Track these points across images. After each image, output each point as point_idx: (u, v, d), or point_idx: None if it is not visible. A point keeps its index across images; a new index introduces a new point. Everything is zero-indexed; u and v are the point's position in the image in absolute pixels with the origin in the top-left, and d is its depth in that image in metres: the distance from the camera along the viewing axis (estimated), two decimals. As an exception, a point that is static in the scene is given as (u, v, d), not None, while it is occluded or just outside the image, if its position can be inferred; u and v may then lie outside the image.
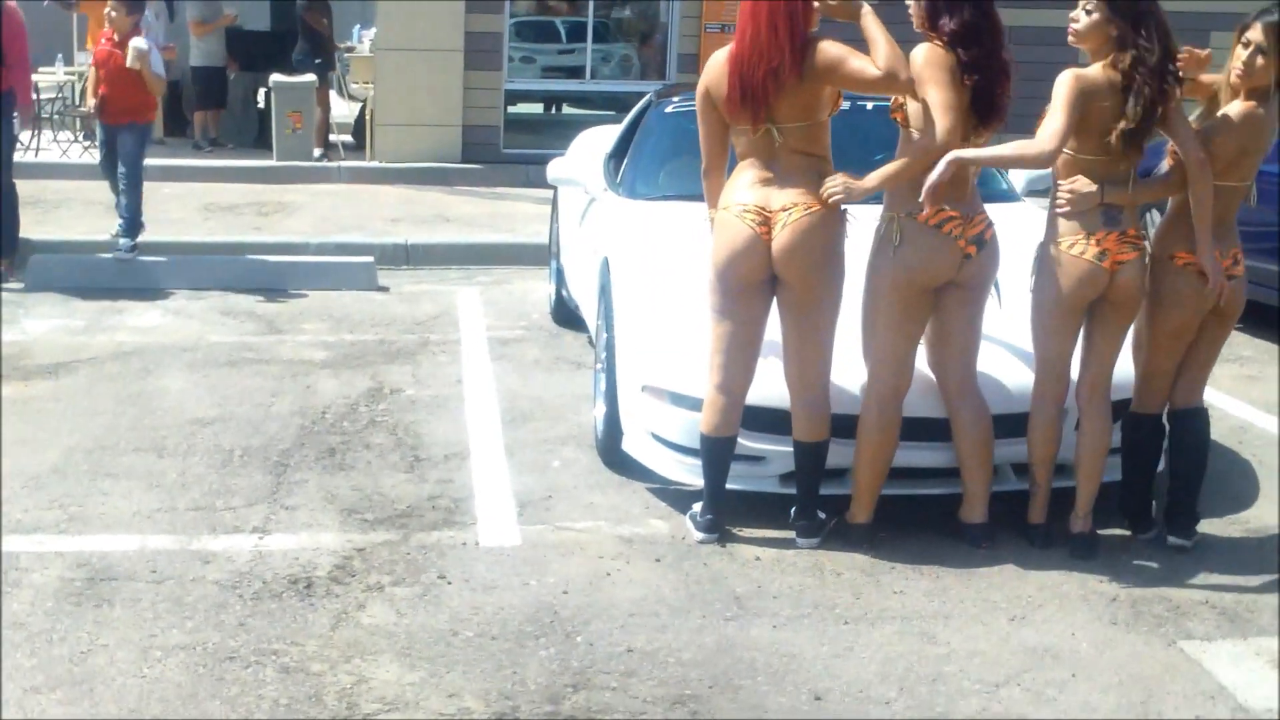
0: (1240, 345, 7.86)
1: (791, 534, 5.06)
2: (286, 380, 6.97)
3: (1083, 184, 4.73)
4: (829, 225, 4.83)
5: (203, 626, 4.31)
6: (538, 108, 17.09)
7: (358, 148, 14.69)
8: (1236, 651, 4.25)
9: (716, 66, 5.00)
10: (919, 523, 5.17)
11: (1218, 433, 6.06)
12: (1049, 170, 5.01)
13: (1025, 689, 4.03)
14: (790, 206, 4.80)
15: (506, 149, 14.19)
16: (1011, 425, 5.09)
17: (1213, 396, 6.75)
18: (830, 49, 4.74)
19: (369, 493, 5.48)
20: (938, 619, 4.47)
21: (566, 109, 17.27)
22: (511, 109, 14.88)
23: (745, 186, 4.90)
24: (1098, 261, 4.76)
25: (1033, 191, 6.82)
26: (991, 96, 4.80)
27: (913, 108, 4.78)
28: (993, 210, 5.11)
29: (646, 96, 8.04)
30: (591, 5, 15.27)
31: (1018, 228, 5.55)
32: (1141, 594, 4.65)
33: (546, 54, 17.41)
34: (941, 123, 4.64)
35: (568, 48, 17.03)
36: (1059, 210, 4.81)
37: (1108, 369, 4.98)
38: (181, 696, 3.89)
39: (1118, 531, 5.15)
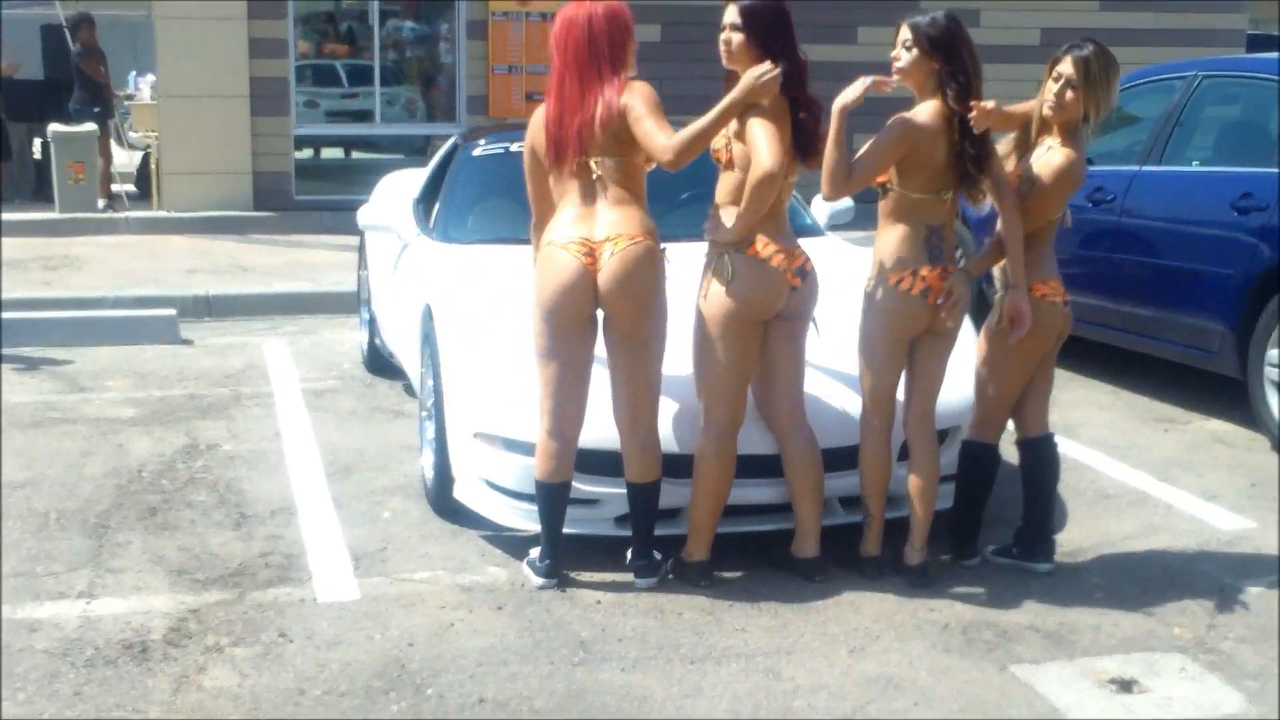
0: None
1: (629, 575, 5.11)
2: (96, 439, 6.78)
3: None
4: (654, 257, 4.92)
5: (36, 698, 4.17)
6: (328, 153, 16.90)
7: (142, 197, 14.37)
8: (1065, 674, 4.43)
9: (536, 123, 5.08)
10: (753, 559, 5.27)
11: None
12: (850, 206, 5.22)
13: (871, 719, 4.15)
14: (615, 237, 4.87)
15: (299, 195, 14.03)
16: (838, 459, 5.24)
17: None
18: (635, 105, 4.84)
19: (197, 552, 5.36)
20: (780, 654, 4.56)
21: (355, 154, 17.15)
22: (299, 155, 14.72)
23: (567, 223, 4.95)
24: (922, 298, 4.94)
25: (834, 226, 7.04)
26: (814, 135, 4.95)
27: (740, 150, 4.89)
28: (800, 244, 5.26)
29: (451, 140, 8.08)
30: (378, 48, 15.21)
31: (826, 260, 5.68)
32: (971, 621, 4.82)
33: (331, 98, 17.25)
34: (774, 148, 4.74)
35: (352, 91, 16.92)
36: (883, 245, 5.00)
37: (933, 400, 5.17)
38: (24, 773, 3.77)
39: (942, 558, 5.33)
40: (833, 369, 5.40)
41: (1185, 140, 7.78)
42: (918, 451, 5.14)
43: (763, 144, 4.74)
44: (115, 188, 13.94)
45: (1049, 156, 4.98)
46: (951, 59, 4.86)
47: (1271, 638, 4.68)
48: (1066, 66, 4.92)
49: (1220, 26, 16.04)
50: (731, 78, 4.95)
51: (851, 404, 5.27)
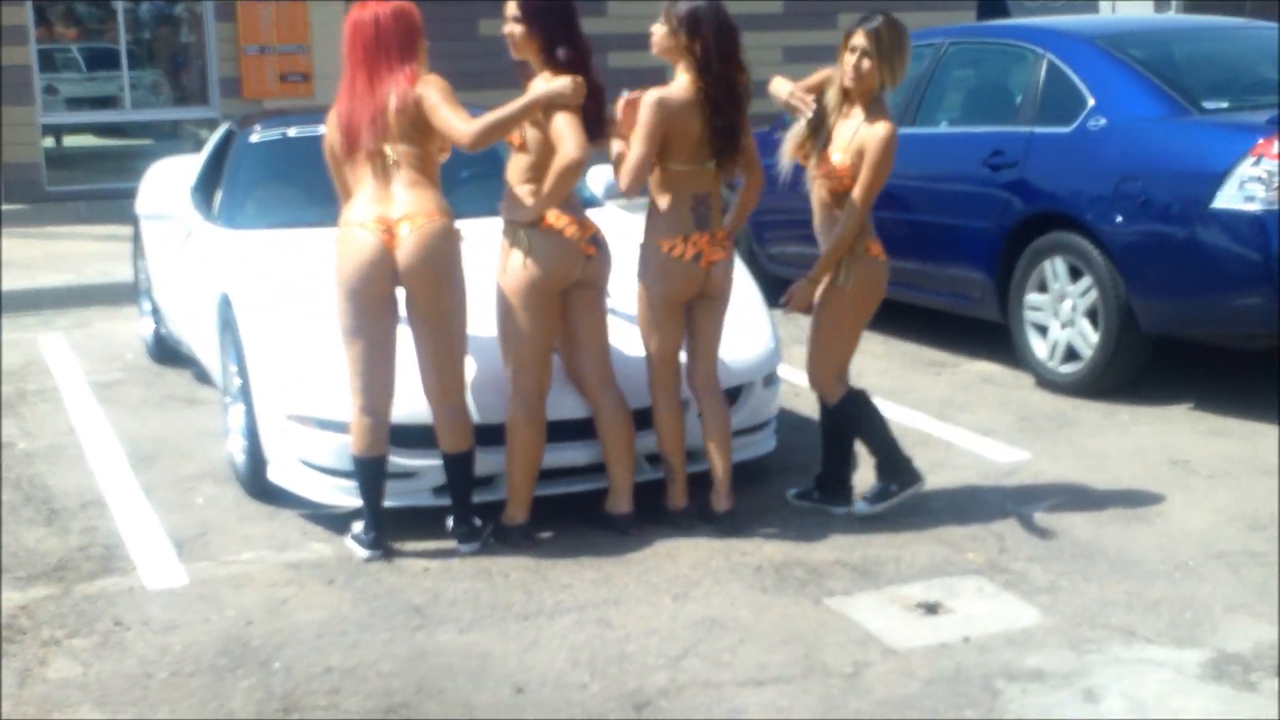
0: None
1: (453, 543, 5.28)
2: (-120, 445, 6.62)
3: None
4: (450, 235, 5.11)
5: (-124, 704, 4.14)
6: (73, 140, 16.41)
7: (-120, 194, 13.78)
8: (875, 601, 4.77)
9: (331, 122, 5.27)
10: (570, 519, 5.49)
11: (807, 406, 6.72)
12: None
13: (703, 657, 4.40)
14: (412, 215, 5.04)
15: (51, 186, 13.65)
16: (646, 418, 5.49)
17: (794, 375, 7.43)
18: (430, 94, 5.03)
19: (14, 550, 5.33)
20: (608, 605, 4.79)
21: (104, 141, 16.71)
22: (46, 144, 14.31)
23: (364, 203, 5.10)
24: (694, 262, 5.24)
25: (610, 196, 7.29)
26: (599, 119, 5.21)
27: (533, 135, 5.10)
28: (593, 214, 5.54)
29: (224, 127, 8.05)
30: (122, 30, 14.84)
31: (610, 229, 5.88)
32: (782, 561, 5.13)
33: (74, 83, 16.76)
34: (581, 138, 4.98)
35: (96, 76, 16.47)
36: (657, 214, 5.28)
37: (713, 356, 5.47)
38: (-121, 777, 3.76)
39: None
40: (632, 335, 5.64)
41: (936, 103, 8.26)
42: (707, 408, 5.44)
43: (569, 135, 4.98)
44: None
45: (873, 130, 5.26)
46: (695, 35, 5.13)
47: (1058, 556, 5.11)
48: (860, 39, 5.25)
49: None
50: (523, 66, 5.18)
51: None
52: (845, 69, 5.30)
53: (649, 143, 5.12)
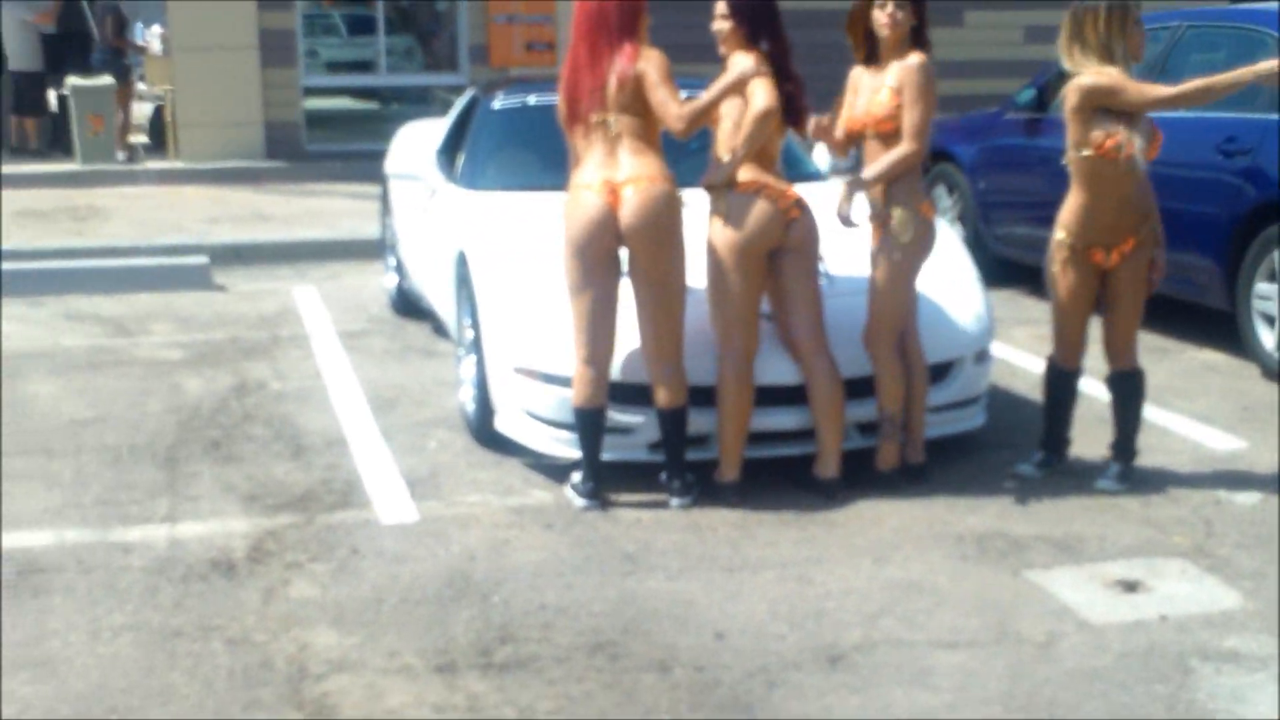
0: (1030, 308, 8.61)
1: (665, 496, 5.53)
2: (152, 380, 7.18)
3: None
4: (671, 199, 5.38)
5: (142, 609, 4.58)
6: (328, 102, 17.20)
7: (156, 148, 14.68)
8: (1074, 577, 4.86)
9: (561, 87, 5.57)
10: (778, 480, 5.69)
11: (1026, 385, 6.79)
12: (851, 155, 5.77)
13: (898, 618, 4.56)
14: (636, 179, 5.33)
15: (309, 145, 14.36)
16: (854, 388, 5.66)
17: (1013, 354, 7.49)
18: (650, 71, 5.34)
19: (263, 480, 5.77)
20: (809, 564, 4.98)
21: (354, 103, 17.45)
22: (307, 105, 15.04)
23: (592, 168, 5.42)
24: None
25: (836, 171, 7.43)
26: (798, 105, 5.49)
27: (729, 104, 5.38)
28: (805, 189, 5.76)
29: (469, 93, 8.42)
30: (382, -1, 15.51)
31: (831, 202, 6.04)
32: (984, 532, 5.25)
33: (333, 48, 17.53)
34: (770, 92, 5.26)
35: (354, 41, 17.20)
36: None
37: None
38: (140, 670, 4.17)
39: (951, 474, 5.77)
40: (848, 302, 5.80)
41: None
42: (908, 363, 5.68)
43: (759, 90, 5.27)
44: (132, 139, 14.25)
45: (906, 63, 5.47)
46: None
47: (1267, 544, 5.12)
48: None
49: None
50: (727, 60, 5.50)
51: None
52: (879, 25, 5.49)
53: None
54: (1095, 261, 5.54)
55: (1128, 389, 5.73)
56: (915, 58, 5.48)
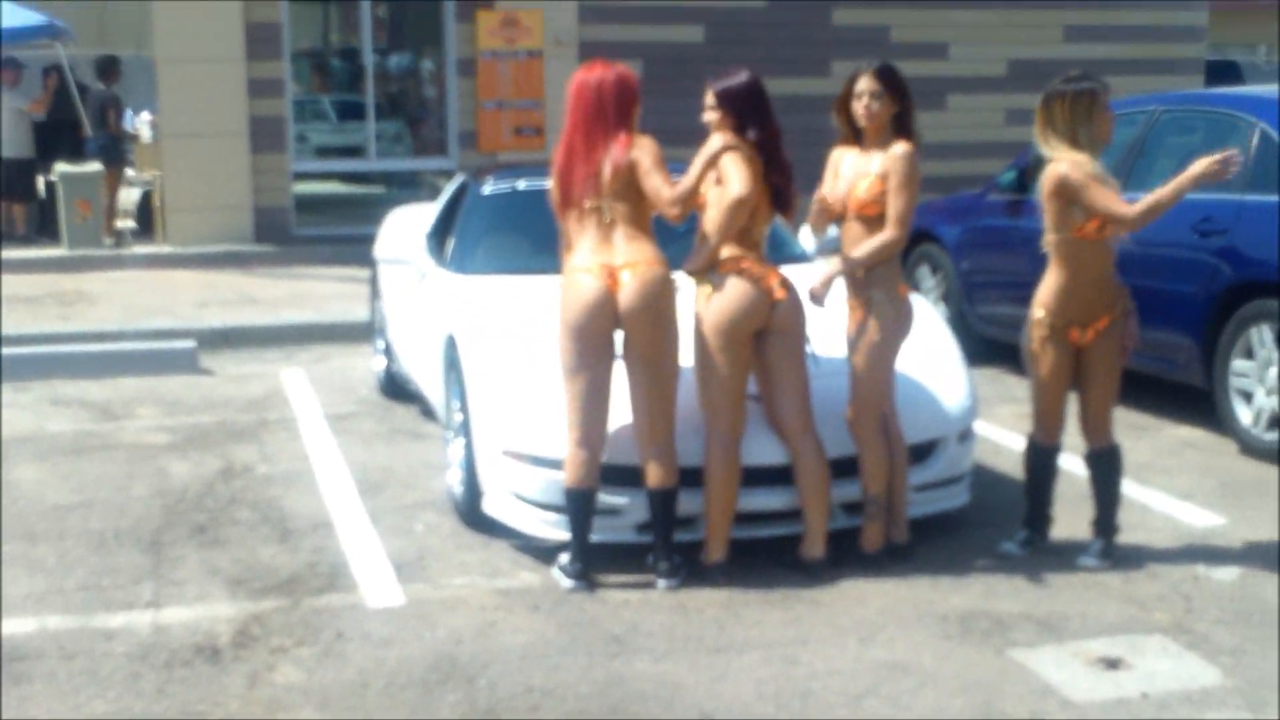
0: (1013, 386, 8.67)
1: (652, 577, 5.56)
2: (137, 464, 7.21)
3: None
4: (667, 283, 5.47)
5: (124, 696, 4.59)
6: (317, 187, 17.34)
7: (143, 233, 14.77)
8: (1057, 655, 4.89)
9: (553, 172, 5.65)
10: (765, 561, 5.72)
11: (1009, 464, 6.83)
12: (837, 235, 5.84)
13: (883, 698, 4.58)
14: (634, 263, 5.41)
15: (298, 229, 14.47)
16: (839, 468, 5.70)
17: (996, 433, 7.55)
18: (643, 159, 5.44)
19: (249, 564, 5.79)
20: (795, 644, 5.00)
21: (347, 188, 17.60)
22: (296, 189, 15.16)
23: (588, 251, 5.49)
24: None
25: (822, 253, 7.51)
26: (786, 193, 5.59)
27: (714, 192, 5.50)
28: (792, 270, 5.84)
29: (459, 178, 8.52)
30: (371, 85, 15.67)
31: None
32: (968, 611, 5.28)
33: (323, 133, 17.69)
34: (744, 178, 5.36)
35: (343, 127, 17.35)
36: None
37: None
38: (126, 758, 4.19)
39: (935, 553, 5.80)
40: (833, 383, 5.86)
41: (1148, 168, 8.28)
42: (890, 443, 5.71)
43: (732, 174, 5.39)
44: (119, 224, 14.35)
45: (892, 151, 5.54)
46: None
47: (1245, 620, 5.16)
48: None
49: (1180, 56, 16.66)
50: None
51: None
52: (857, 114, 5.58)
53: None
54: (1072, 339, 5.63)
55: (1106, 466, 5.79)
56: (901, 147, 5.56)
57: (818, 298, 5.61)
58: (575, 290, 5.45)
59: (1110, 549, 5.75)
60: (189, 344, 9.70)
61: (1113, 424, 5.78)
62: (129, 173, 15.76)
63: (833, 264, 5.65)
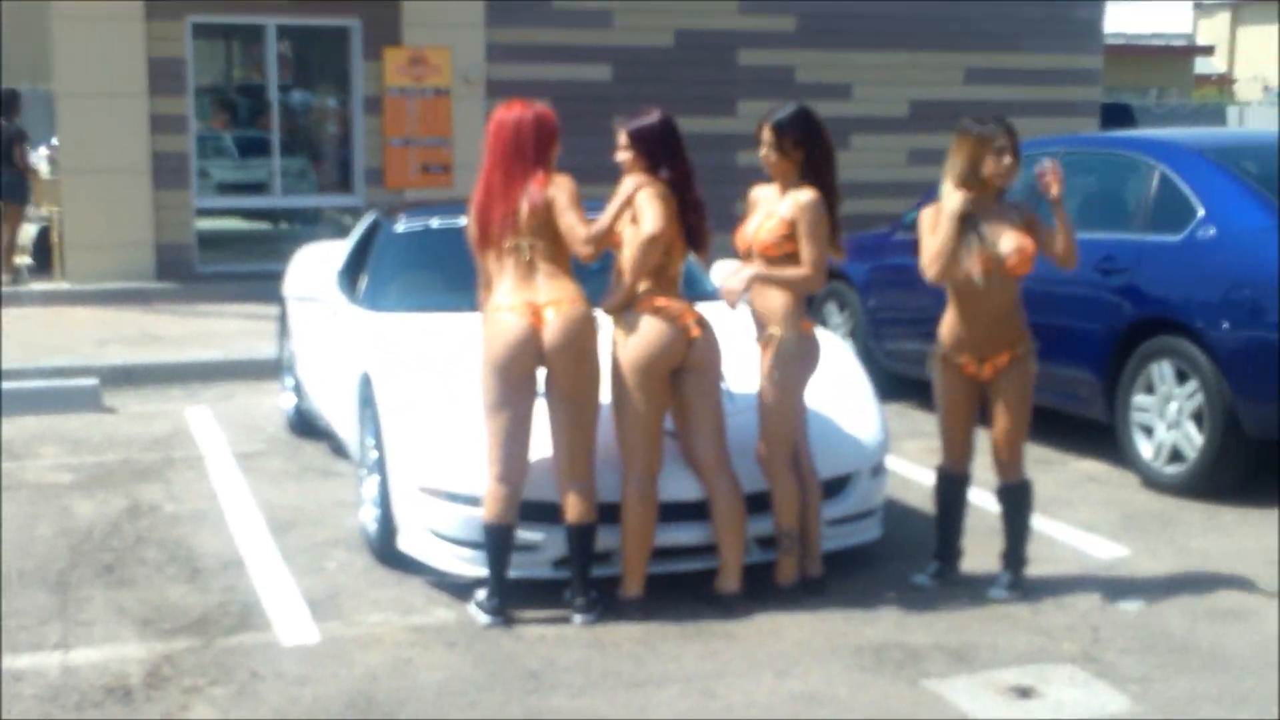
0: (920, 421, 8.78)
1: (568, 613, 5.56)
2: (41, 504, 7.09)
3: None
4: (590, 320, 5.50)
5: (35, 738, 4.52)
6: (219, 223, 17.16)
7: (40, 269, 14.56)
8: (969, 685, 4.96)
9: (470, 211, 5.65)
10: (680, 595, 5.74)
11: (918, 498, 6.93)
12: None
13: (801, 730, 4.64)
14: (558, 301, 5.43)
15: (201, 266, 14.33)
16: (755, 503, 5.75)
17: (904, 467, 7.64)
18: (560, 197, 5.48)
19: (158, 604, 5.71)
20: (713, 678, 5.03)
21: (245, 224, 17.46)
22: (200, 225, 15.02)
23: (509, 290, 5.50)
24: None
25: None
26: (699, 231, 5.65)
27: (629, 232, 5.53)
28: (705, 308, 5.87)
29: (370, 216, 8.49)
30: (276, 121, 15.58)
31: (728, 320, 6.13)
32: (881, 643, 5.34)
33: (225, 169, 17.52)
34: (657, 217, 5.41)
35: (246, 163, 17.20)
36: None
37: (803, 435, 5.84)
38: (38, 801, 4.11)
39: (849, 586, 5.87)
40: (748, 419, 5.91)
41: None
42: (801, 478, 5.79)
43: (647, 212, 5.44)
44: (16, 260, 14.13)
45: (797, 196, 5.63)
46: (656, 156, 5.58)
47: (1151, 649, 5.26)
48: (766, 133, 5.68)
49: (1077, 99, 17.08)
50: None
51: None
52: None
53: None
54: (968, 373, 5.75)
55: (1015, 501, 5.89)
56: (806, 194, 5.62)
57: (730, 298, 5.67)
58: (499, 328, 5.45)
59: (1018, 581, 5.85)
60: (91, 381, 9.56)
61: (1023, 459, 5.88)
62: (27, 209, 15.51)
63: (752, 275, 5.70)
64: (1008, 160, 5.63)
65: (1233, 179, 7.42)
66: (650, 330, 5.51)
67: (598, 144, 12.37)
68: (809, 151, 5.69)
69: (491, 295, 5.56)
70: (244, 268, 14.54)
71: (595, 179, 5.83)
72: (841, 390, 6.38)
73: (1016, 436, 5.82)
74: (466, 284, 6.00)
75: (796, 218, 5.62)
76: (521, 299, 5.45)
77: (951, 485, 5.97)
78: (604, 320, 5.61)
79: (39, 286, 13.52)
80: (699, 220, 5.65)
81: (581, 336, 5.45)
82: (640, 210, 5.48)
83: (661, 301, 5.54)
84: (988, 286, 5.64)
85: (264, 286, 12.73)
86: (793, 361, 5.68)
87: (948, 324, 5.79)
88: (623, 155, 5.62)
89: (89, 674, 5.01)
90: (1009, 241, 5.60)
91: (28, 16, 17.43)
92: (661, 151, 5.59)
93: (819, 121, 5.77)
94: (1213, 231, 7.26)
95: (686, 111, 5.71)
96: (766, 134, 5.68)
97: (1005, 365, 5.72)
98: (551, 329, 5.41)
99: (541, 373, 5.51)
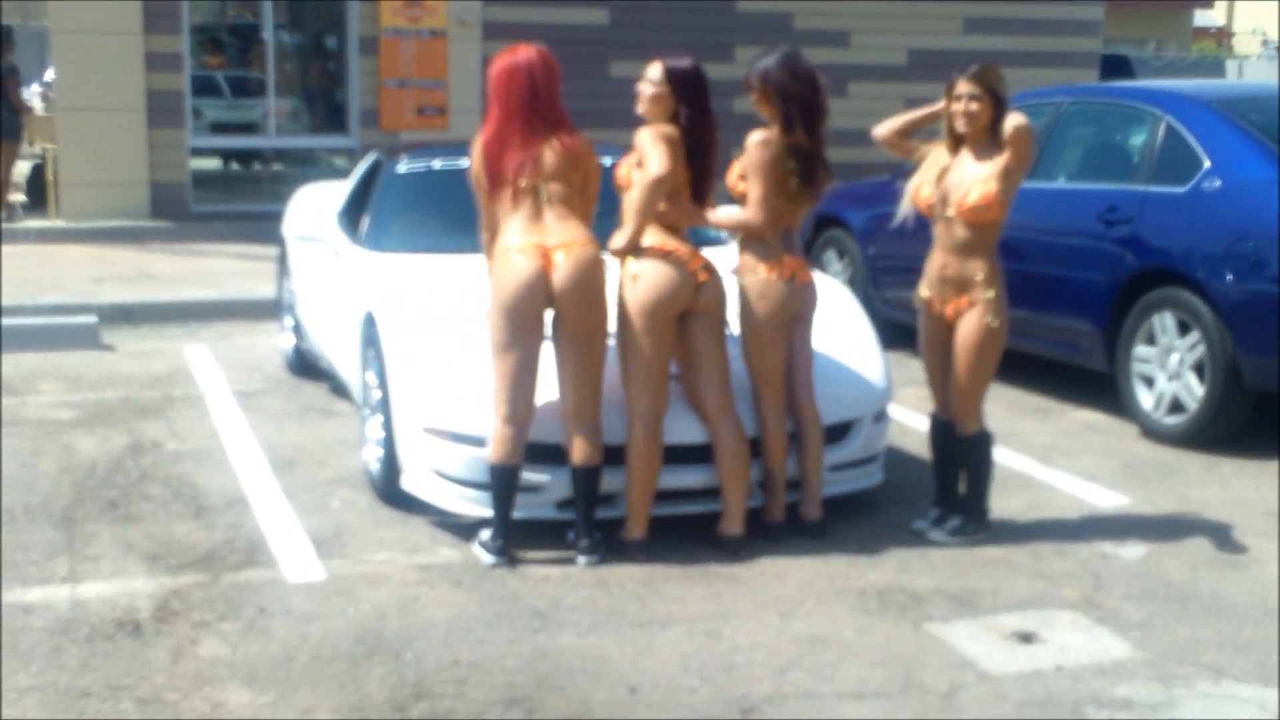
0: (917, 369, 8.77)
1: (573, 554, 5.59)
2: (43, 440, 7.09)
3: None
4: (599, 263, 5.51)
5: (47, 669, 4.53)
6: (214, 163, 17.10)
7: (34, 207, 14.49)
8: (972, 629, 5.00)
9: (476, 153, 5.63)
10: (683, 537, 5.78)
11: (916, 444, 6.96)
12: None
13: (806, 671, 4.66)
14: (568, 243, 5.43)
15: (195, 205, 14.28)
16: (756, 446, 5.79)
17: (902, 414, 7.67)
18: (595, 161, 5.59)
19: (164, 540, 5.73)
20: (717, 619, 5.07)
21: (240, 164, 17.41)
22: (195, 164, 14.96)
23: (520, 231, 5.49)
24: (790, 282, 5.71)
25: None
26: (705, 183, 5.71)
27: (638, 175, 5.56)
28: (709, 252, 5.91)
29: (371, 156, 8.46)
30: (271, 61, 15.49)
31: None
32: (884, 586, 5.38)
33: (219, 109, 17.45)
34: (663, 158, 5.41)
35: (240, 103, 17.13)
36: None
37: (808, 374, 5.89)
38: (52, 731, 4.14)
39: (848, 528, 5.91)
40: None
41: (1054, 158, 8.47)
42: (806, 422, 5.83)
43: (652, 153, 5.43)
44: (10, 198, 14.06)
45: (749, 138, 5.66)
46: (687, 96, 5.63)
47: (1152, 596, 5.32)
48: (965, 86, 5.61)
49: (1077, 50, 17.02)
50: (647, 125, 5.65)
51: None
52: (956, 117, 5.64)
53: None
54: (934, 312, 5.84)
55: (962, 452, 5.91)
56: (755, 135, 5.69)
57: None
58: (508, 270, 5.45)
59: (963, 528, 5.87)
60: (90, 319, 9.54)
61: (974, 410, 5.85)
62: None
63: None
64: (962, 105, 5.64)
65: (1239, 131, 7.42)
66: (658, 274, 5.51)
67: (594, 88, 12.35)
68: (774, 100, 5.70)
69: (500, 237, 5.55)
70: (238, 207, 14.51)
71: (591, 124, 5.81)
72: (844, 336, 6.41)
73: (965, 385, 5.79)
74: (469, 226, 5.99)
75: (745, 156, 5.70)
76: (531, 241, 5.44)
77: (941, 430, 5.99)
78: (611, 263, 5.62)
79: (33, 224, 13.46)
80: (706, 173, 5.66)
81: (591, 279, 5.45)
82: (645, 152, 5.47)
83: (670, 245, 5.54)
84: (945, 225, 5.72)
85: (258, 226, 12.74)
86: (749, 305, 5.74)
87: (926, 262, 5.88)
88: (651, 89, 5.59)
89: (98, 607, 5.03)
90: (960, 187, 5.65)
91: (20, -48, 17.28)
92: (693, 95, 5.59)
93: (795, 69, 5.74)
94: (1218, 183, 7.26)
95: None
96: (969, 85, 5.62)
97: (964, 310, 5.74)
98: (561, 271, 5.41)
99: (549, 315, 5.51)
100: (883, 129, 6.03)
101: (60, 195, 13.68)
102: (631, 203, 5.54)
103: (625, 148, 5.64)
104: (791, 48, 5.79)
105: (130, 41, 13.74)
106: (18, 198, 14.71)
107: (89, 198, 13.55)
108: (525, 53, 5.54)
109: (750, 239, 5.77)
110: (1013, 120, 5.55)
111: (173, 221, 13.80)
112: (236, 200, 15.06)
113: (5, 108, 13.98)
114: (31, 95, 16.59)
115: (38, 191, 14.56)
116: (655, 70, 5.62)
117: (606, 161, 6.06)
